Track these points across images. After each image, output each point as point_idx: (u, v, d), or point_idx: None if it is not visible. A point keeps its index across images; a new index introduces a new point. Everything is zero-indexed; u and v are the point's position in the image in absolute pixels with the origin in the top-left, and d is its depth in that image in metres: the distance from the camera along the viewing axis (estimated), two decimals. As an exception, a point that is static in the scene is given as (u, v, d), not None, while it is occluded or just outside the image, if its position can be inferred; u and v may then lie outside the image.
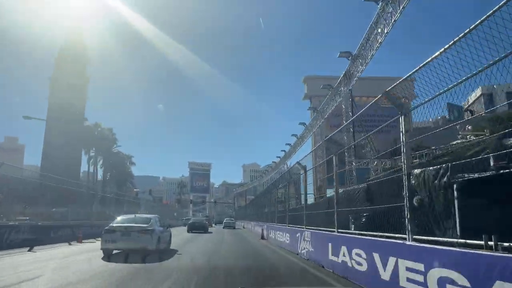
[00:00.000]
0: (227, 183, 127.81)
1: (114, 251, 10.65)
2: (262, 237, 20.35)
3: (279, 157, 51.86)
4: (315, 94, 41.82)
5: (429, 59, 4.81)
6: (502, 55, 3.65)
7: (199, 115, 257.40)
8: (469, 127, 13.68)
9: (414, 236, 5.05)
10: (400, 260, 4.99)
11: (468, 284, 3.54)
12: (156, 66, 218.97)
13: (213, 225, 46.03)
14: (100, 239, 11.16)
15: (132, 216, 12.83)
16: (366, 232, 6.70)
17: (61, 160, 41.40)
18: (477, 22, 3.88)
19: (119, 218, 12.18)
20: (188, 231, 27.54)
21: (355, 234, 7.35)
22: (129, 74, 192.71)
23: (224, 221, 43.04)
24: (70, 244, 15.91)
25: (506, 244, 3.55)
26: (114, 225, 11.05)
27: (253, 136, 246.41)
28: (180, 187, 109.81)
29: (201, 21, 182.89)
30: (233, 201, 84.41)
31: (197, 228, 28.06)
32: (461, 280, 3.63)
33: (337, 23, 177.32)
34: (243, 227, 40.31)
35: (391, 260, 5.21)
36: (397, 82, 5.58)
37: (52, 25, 57.27)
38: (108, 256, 10.22)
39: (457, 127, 12.66)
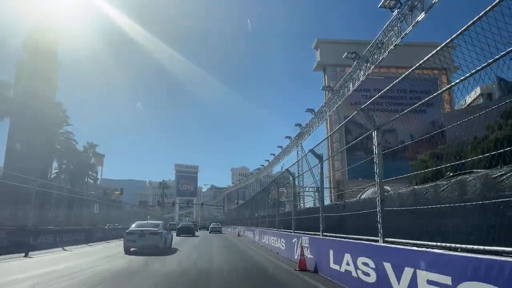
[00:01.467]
0: (215, 188, 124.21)
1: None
2: (303, 267, 9.19)
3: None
4: (331, 62, 33.56)
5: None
6: None
7: (187, 118, 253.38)
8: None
9: None
10: None
11: None
12: (140, 64, 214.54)
13: (198, 230, 46.15)
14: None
15: (145, 222, 16.91)
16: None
17: (27, 156, 36.08)
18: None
19: (134, 224, 15.22)
20: (177, 235, 28.05)
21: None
22: (111, 73, 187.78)
23: (211, 226, 44.09)
24: None
25: None
26: (132, 229, 14.37)
27: (242, 139, 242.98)
28: (162, 188, 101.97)
29: (185, 18, 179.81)
30: (222, 203, 76.29)
31: (185, 232, 30.19)
32: None
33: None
34: (238, 235, 30.71)
35: None
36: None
37: (20, 7, 51.25)
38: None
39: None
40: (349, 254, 6.82)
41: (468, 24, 3.99)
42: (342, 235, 7.88)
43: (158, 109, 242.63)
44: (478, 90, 28.18)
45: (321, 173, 10.00)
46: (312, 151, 10.11)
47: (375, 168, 6.50)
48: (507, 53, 3.55)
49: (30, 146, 38.11)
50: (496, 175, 3.90)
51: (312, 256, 9.32)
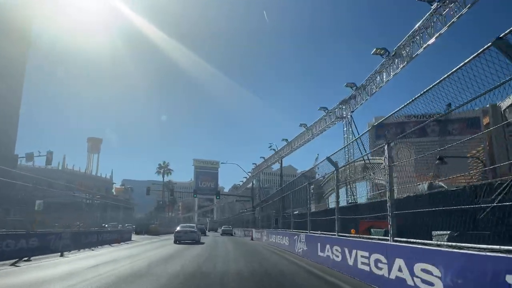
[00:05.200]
0: (237, 186, 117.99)
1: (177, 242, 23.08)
2: None
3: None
4: None
5: None
6: None
7: (207, 118, 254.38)
8: None
9: None
10: None
11: None
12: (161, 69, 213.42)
13: (208, 230, 53.10)
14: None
15: (186, 224, 31.25)
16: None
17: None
18: None
19: (179, 226, 25.73)
20: None
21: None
22: (128, 75, 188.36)
23: (222, 228, 48.88)
24: None
25: None
26: (179, 229, 24.24)
27: (263, 137, 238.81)
28: (163, 172, 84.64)
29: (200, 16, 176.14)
30: (252, 194, 55.98)
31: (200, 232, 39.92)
32: None
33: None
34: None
35: None
36: None
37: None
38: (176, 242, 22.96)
39: None
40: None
41: None
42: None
43: (182, 113, 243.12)
44: None
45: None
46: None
47: None
48: None
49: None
50: None
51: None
